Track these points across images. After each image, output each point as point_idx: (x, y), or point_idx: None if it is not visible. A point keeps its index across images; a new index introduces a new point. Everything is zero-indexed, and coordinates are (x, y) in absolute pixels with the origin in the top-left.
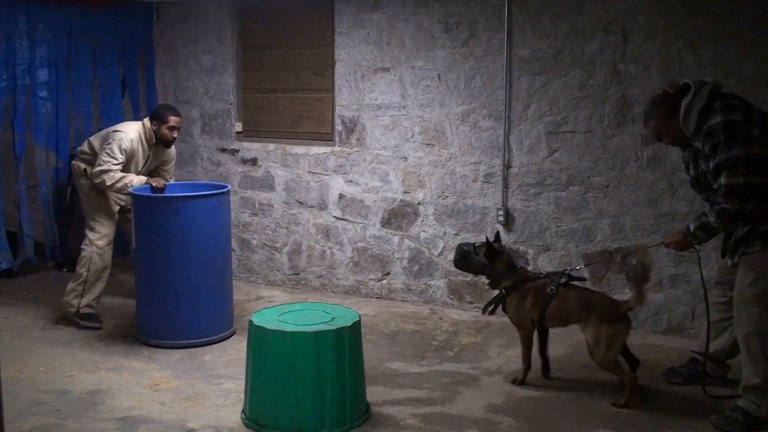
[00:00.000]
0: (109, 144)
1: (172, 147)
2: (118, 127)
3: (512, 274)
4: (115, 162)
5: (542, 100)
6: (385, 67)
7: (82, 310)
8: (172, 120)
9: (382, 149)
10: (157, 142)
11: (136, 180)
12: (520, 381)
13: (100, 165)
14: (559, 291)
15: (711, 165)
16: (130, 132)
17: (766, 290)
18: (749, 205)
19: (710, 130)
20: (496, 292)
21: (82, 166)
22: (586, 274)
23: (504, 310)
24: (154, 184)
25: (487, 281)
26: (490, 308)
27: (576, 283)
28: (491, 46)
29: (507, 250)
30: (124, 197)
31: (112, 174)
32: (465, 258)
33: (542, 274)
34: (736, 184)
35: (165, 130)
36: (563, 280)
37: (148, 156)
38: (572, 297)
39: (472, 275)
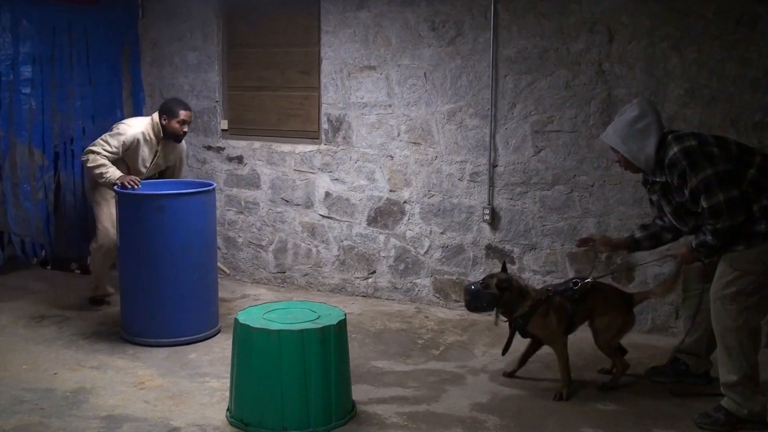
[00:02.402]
0: (109, 132)
1: (183, 142)
2: (124, 120)
3: (525, 299)
4: (107, 148)
5: (528, 100)
6: (372, 65)
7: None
8: (183, 114)
9: (368, 148)
10: (167, 137)
11: (112, 172)
12: (566, 396)
13: (92, 145)
14: (577, 305)
15: (686, 193)
16: (135, 127)
17: (745, 288)
18: (739, 218)
19: (671, 162)
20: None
21: None
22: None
23: (526, 335)
24: (126, 182)
25: (501, 312)
26: (507, 348)
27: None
28: (477, 45)
29: (514, 276)
30: None
31: (95, 156)
32: (476, 297)
33: (550, 288)
34: (718, 203)
35: (175, 125)
36: (576, 295)
37: (156, 151)
38: (590, 299)
39: (455, 276)
